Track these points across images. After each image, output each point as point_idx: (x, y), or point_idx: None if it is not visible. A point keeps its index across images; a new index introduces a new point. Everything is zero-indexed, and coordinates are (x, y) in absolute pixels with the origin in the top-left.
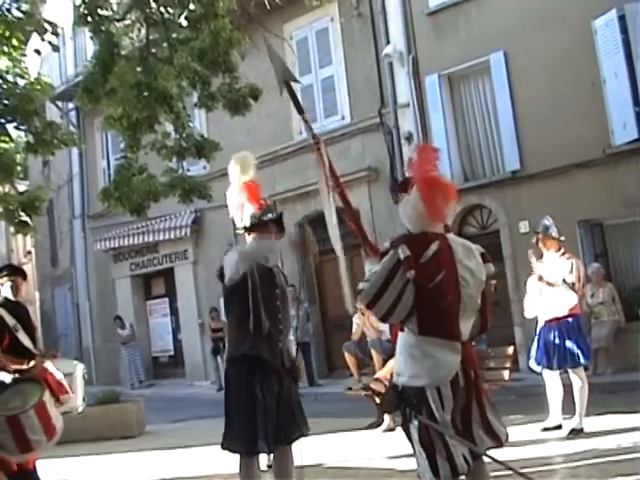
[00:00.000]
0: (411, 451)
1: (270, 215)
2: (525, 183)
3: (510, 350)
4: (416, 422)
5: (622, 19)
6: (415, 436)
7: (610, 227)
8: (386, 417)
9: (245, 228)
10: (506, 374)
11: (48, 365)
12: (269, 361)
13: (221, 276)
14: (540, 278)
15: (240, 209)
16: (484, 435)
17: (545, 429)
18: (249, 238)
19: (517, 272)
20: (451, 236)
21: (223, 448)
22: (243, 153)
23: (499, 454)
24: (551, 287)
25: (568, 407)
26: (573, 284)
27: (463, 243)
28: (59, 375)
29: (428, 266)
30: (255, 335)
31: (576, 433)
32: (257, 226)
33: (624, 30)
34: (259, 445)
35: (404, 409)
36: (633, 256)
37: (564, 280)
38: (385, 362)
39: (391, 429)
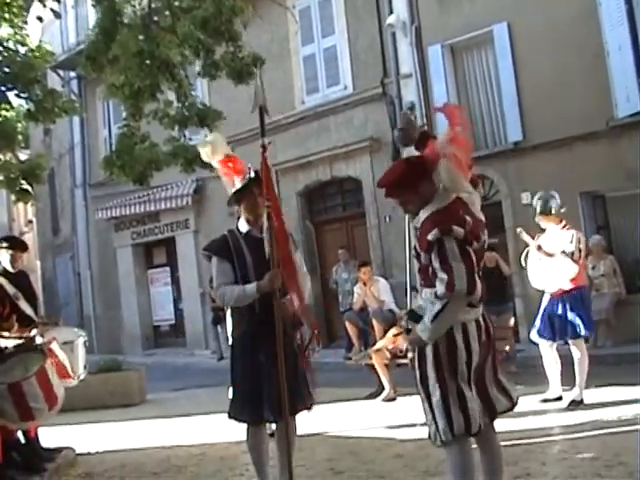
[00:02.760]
0: (411, 421)
1: (249, 179)
2: (527, 154)
3: (511, 321)
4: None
5: None
6: (432, 378)
7: (612, 199)
8: (386, 386)
9: (231, 203)
10: (507, 346)
11: (54, 347)
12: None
13: (209, 258)
14: (539, 248)
15: (231, 183)
16: (499, 394)
17: (545, 400)
18: (240, 209)
19: (518, 243)
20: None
21: (230, 417)
22: (207, 139)
23: (500, 424)
24: (550, 257)
25: (568, 379)
26: (572, 254)
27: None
28: (63, 356)
29: (472, 229)
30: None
31: (576, 405)
32: (241, 196)
33: (628, 1)
34: (265, 414)
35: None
36: (634, 229)
37: (563, 251)
38: (386, 332)
39: (391, 399)
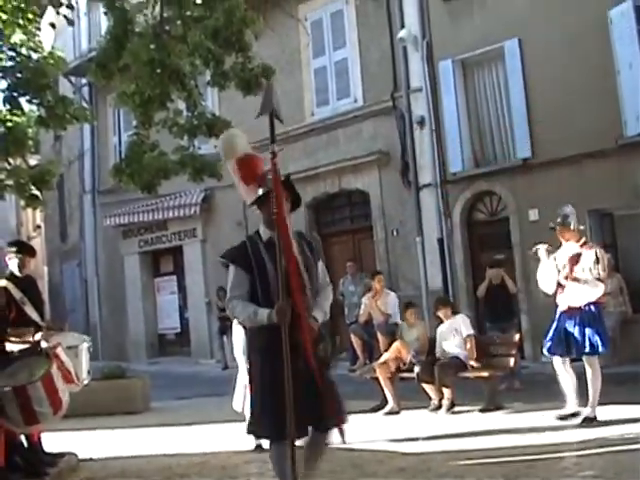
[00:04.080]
0: (413, 434)
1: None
2: (536, 171)
3: (516, 337)
4: None
5: (638, 9)
6: None
7: (620, 217)
8: (390, 400)
9: (253, 205)
10: (511, 361)
11: (59, 352)
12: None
13: (226, 266)
14: (567, 277)
15: (243, 188)
16: None
17: (561, 417)
18: (260, 213)
19: (525, 260)
20: None
21: (248, 433)
22: (226, 135)
23: (504, 440)
24: (578, 282)
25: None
26: (599, 275)
27: None
28: (68, 361)
29: None
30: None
31: (589, 422)
32: (264, 200)
33: None
34: (286, 431)
35: None
36: None
37: (596, 276)
38: (390, 345)
39: (394, 412)
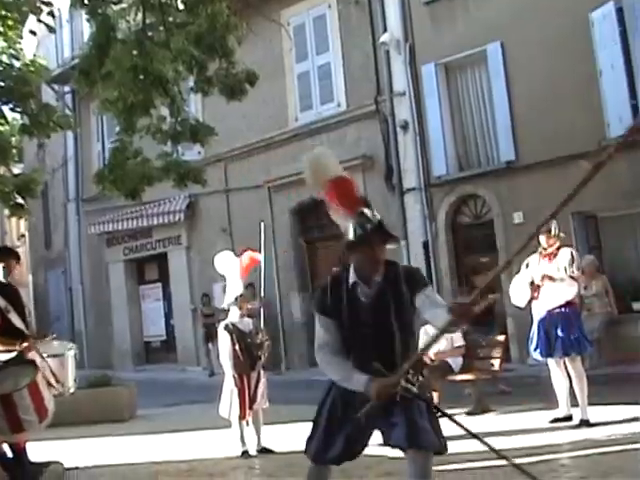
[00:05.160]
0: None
1: (369, 225)
2: (520, 174)
3: (501, 338)
4: None
5: (620, 11)
6: None
7: (604, 219)
8: None
9: (346, 248)
10: (497, 363)
11: (39, 362)
12: None
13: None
14: (543, 277)
15: (339, 217)
16: None
17: (555, 420)
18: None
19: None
20: None
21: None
22: (313, 156)
23: (490, 442)
24: (553, 281)
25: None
26: (574, 274)
27: None
28: (46, 368)
29: None
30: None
31: (586, 424)
32: (356, 246)
33: (621, 22)
34: (327, 456)
35: None
36: (626, 249)
37: (570, 275)
38: None
39: None
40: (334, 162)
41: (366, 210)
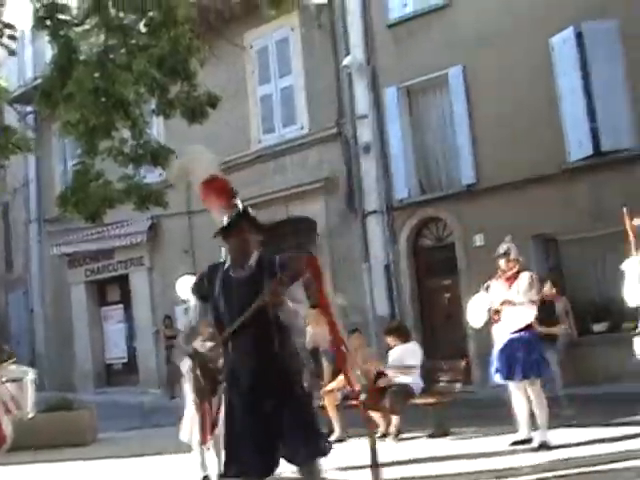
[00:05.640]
0: (361, 462)
1: (236, 214)
2: (481, 197)
3: (462, 364)
4: None
5: (579, 36)
6: None
7: (564, 242)
8: (336, 427)
9: (216, 235)
10: (458, 386)
11: None
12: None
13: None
14: (504, 302)
15: (215, 211)
16: None
17: (515, 443)
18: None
19: (471, 285)
20: None
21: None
22: (180, 161)
23: (449, 466)
24: (513, 305)
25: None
26: (533, 299)
27: None
28: (5, 394)
29: None
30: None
31: (544, 447)
32: (228, 233)
33: (581, 47)
34: (232, 468)
35: None
36: (587, 271)
37: (530, 299)
38: (336, 373)
39: (341, 439)
40: (207, 162)
41: (237, 202)
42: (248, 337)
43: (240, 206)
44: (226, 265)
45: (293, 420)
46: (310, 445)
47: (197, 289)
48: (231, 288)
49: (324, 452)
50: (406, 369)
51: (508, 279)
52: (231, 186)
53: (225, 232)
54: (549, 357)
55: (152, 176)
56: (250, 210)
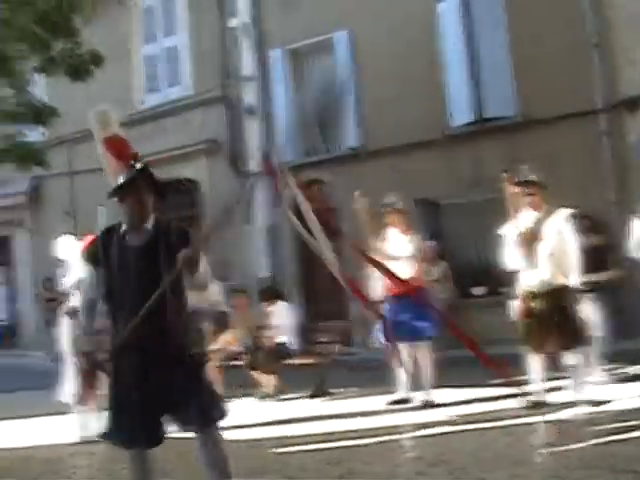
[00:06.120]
0: (241, 422)
1: (134, 173)
2: (365, 160)
3: (342, 325)
4: None
5: (465, 3)
6: None
7: (445, 206)
8: (219, 388)
9: (111, 195)
10: (337, 348)
11: None
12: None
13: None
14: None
15: (113, 172)
16: None
17: (393, 402)
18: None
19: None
20: None
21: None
22: (100, 109)
23: (326, 425)
24: (392, 260)
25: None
26: (413, 255)
27: None
28: None
29: None
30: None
31: (428, 405)
32: (124, 192)
33: (466, 14)
34: (112, 436)
35: None
36: (467, 235)
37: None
38: (215, 332)
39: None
40: (114, 121)
41: (136, 163)
42: (141, 305)
43: (138, 165)
44: (122, 229)
45: (187, 387)
46: (209, 409)
47: (91, 256)
48: (127, 256)
49: (222, 415)
50: (276, 329)
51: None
52: (134, 149)
53: (121, 192)
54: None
55: (34, 135)
56: (150, 169)
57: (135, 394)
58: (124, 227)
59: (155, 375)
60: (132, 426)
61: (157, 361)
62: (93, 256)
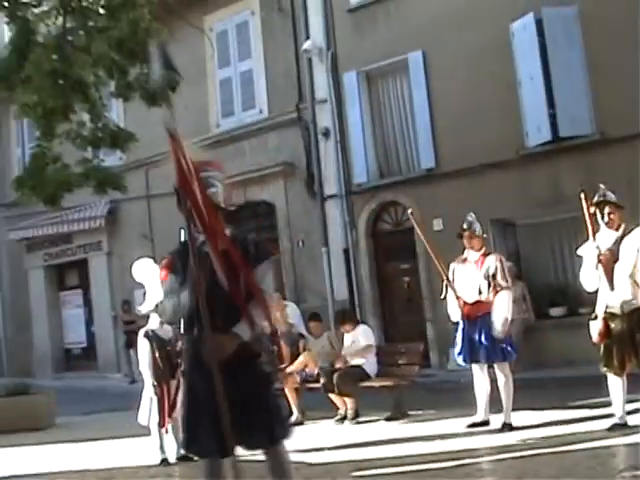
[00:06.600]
0: (318, 444)
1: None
2: (440, 181)
3: (420, 347)
4: None
5: (539, 23)
6: None
7: (522, 227)
8: (294, 410)
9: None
10: (415, 370)
11: None
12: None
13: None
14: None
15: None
16: None
17: (472, 425)
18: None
19: (430, 269)
20: None
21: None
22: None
23: (406, 448)
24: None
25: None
26: (508, 284)
27: None
28: None
29: None
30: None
31: (508, 428)
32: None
33: (541, 33)
34: (210, 448)
35: None
36: (543, 256)
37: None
38: (295, 356)
39: (299, 422)
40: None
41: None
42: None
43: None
44: (200, 239)
45: (256, 404)
46: (274, 428)
47: (174, 269)
48: (206, 263)
49: (287, 434)
50: (364, 351)
51: (475, 263)
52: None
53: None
54: None
55: (111, 160)
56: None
57: (208, 404)
58: (201, 239)
59: (226, 388)
60: (206, 435)
61: (229, 375)
62: (175, 268)
